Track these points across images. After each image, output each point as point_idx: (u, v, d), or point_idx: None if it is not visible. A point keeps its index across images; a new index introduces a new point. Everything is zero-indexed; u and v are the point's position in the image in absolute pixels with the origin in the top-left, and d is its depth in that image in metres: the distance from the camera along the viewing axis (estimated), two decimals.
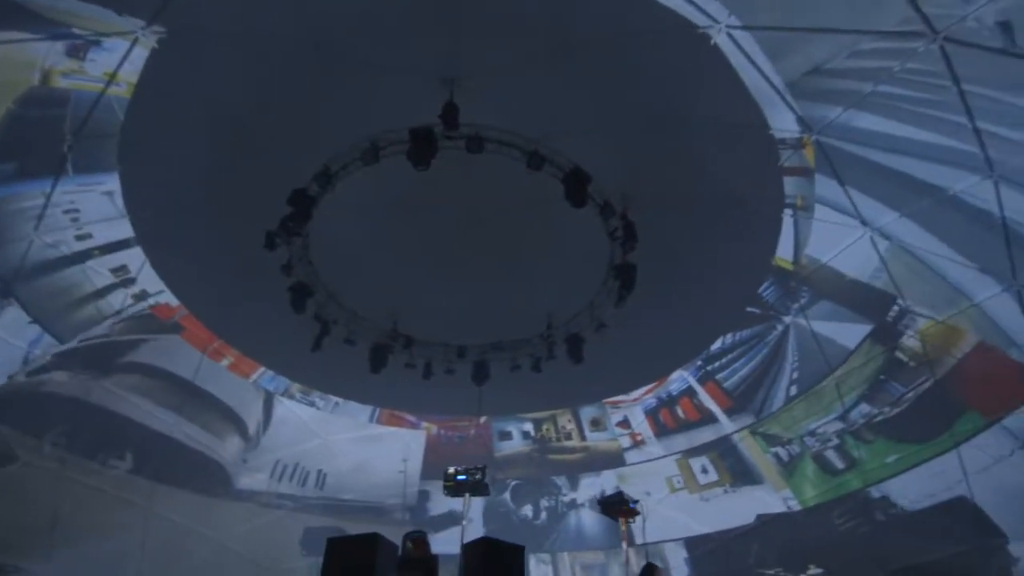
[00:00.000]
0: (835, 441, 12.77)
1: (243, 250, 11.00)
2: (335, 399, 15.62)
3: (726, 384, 14.45)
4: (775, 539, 13.51)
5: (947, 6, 5.89)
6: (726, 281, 11.68)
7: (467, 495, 6.98)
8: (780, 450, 13.80)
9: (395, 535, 5.68)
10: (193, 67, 8.71)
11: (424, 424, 16.78)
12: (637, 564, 15.66)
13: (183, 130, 9.51)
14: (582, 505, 16.40)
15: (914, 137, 8.08)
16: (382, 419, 16.22)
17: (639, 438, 16.02)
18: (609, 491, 16.27)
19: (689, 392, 14.98)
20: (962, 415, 10.41)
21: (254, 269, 11.27)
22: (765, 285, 12.25)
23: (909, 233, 9.45)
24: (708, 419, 15.01)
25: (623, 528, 7.38)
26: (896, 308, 10.82)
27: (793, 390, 13.40)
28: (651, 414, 15.75)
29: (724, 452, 14.77)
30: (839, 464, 12.73)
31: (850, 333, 11.87)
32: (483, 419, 16.80)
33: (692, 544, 14.55)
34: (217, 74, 8.95)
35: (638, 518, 7.38)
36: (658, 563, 15.48)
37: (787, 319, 12.74)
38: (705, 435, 15.13)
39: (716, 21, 8.18)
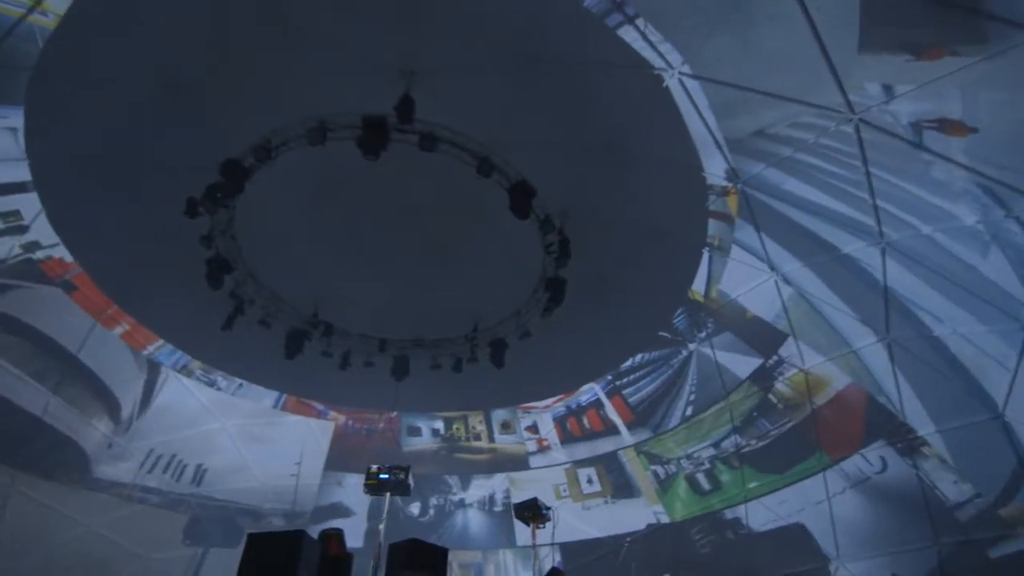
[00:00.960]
0: (707, 465, 14.21)
1: (158, 214, 10.26)
2: (239, 380, 14.81)
3: (631, 400, 15.33)
4: (641, 549, 14.65)
5: (872, 98, 6.77)
6: (645, 305, 12.40)
7: (388, 494, 6.97)
8: (659, 468, 15.04)
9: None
10: (135, 9, 8.00)
11: (332, 414, 16.35)
12: (515, 567, 16.23)
13: (110, 75, 8.69)
14: (470, 505, 16.67)
15: (823, 202, 9.09)
16: (288, 406, 15.59)
17: (545, 443, 16.58)
18: (499, 493, 16.79)
19: (597, 404, 15.73)
20: (813, 454, 12.12)
21: (168, 236, 10.55)
22: (677, 313, 13.19)
23: (808, 281, 10.57)
24: (611, 431, 15.85)
25: (534, 532, 7.70)
26: (775, 357, 12.34)
27: (689, 411, 14.54)
28: (559, 421, 16.37)
29: (610, 465, 15.77)
30: (707, 486, 14.19)
31: (743, 365, 13.12)
32: (394, 413, 16.66)
33: (567, 550, 15.19)
34: (161, 21, 8.27)
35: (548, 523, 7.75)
36: (531, 564, 16.17)
37: (692, 346, 13.81)
38: (606, 446, 15.98)
39: (671, 66, 8.73)
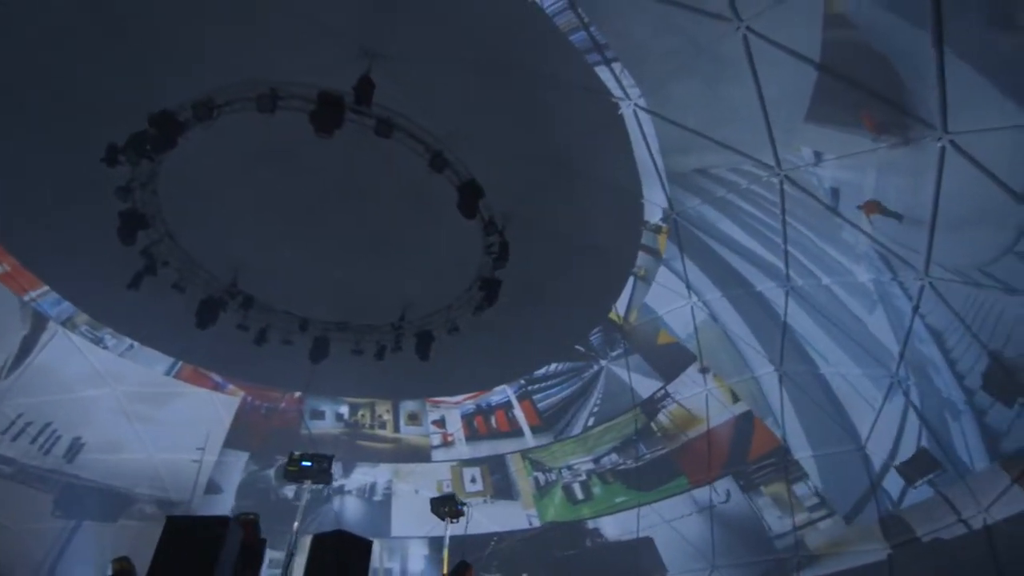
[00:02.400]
0: (583, 477, 15.37)
1: (70, 155, 9.30)
2: (129, 341, 13.62)
3: (540, 405, 15.88)
4: (506, 549, 15.35)
5: (801, 160, 7.63)
6: (569, 317, 12.92)
7: (307, 482, 6.84)
8: (540, 475, 15.96)
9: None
10: None
11: (230, 387, 15.48)
12: (382, 557, 16.09)
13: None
14: (349, 492, 16.47)
15: (744, 241, 10.01)
16: (183, 375, 14.57)
17: (450, 439, 16.73)
18: (381, 482, 16.59)
19: (507, 405, 16.14)
20: (675, 479, 13.78)
21: (79, 180, 9.58)
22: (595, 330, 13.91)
23: (722, 310, 11.55)
24: (516, 433, 16.31)
25: (447, 527, 7.86)
26: (662, 391, 13.84)
27: (591, 422, 15.40)
28: (467, 418, 16.59)
29: (495, 467, 16.37)
30: (580, 496, 15.35)
31: (645, 386, 14.20)
32: (297, 394, 16.10)
33: (434, 543, 15.41)
34: None
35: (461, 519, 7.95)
36: (398, 555, 16.30)
37: (603, 362, 14.66)
38: (508, 446, 16.42)
39: (628, 97, 9.25)
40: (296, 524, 6.46)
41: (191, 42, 8.66)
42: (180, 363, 14.41)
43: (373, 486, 16.46)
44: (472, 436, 16.69)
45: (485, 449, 16.61)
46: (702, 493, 13.25)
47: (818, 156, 7.32)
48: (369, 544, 5.70)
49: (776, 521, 12.08)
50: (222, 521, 4.95)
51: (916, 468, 9.66)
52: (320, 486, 7.74)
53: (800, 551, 11.53)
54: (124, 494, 13.31)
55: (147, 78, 8.70)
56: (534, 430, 16.15)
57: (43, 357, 12.20)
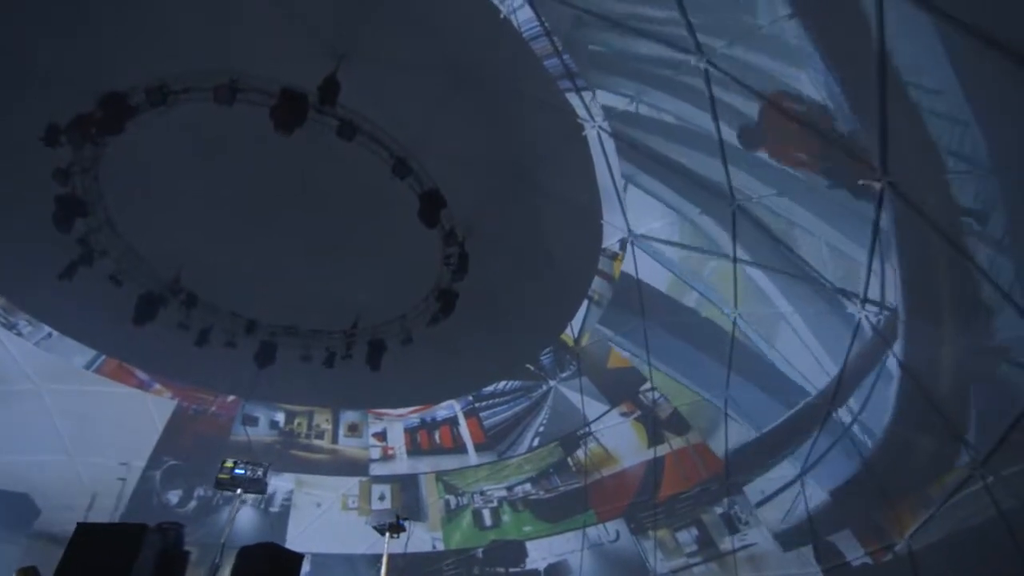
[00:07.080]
0: (495, 504, 15.48)
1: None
2: (47, 329, 12.64)
3: (486, 422, 15.69)
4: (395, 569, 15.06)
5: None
6: (522, 336, 12.90)
7: (239, 491, 6.48)
8: (452, 498, 15.90)
9: None
10: None
11: (156, 386, 14.56)
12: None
13: None
14: (244, 502, 15.58)
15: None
16: (106, 371, 13.61)
17: (391, 452, 16.28)
18: (281, 493, 15.74)
19: (452, 421, 15.88)
20: (583, 513, 14.33)
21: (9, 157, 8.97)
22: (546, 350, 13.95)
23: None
24: (459, 449, 16.02)
25: (387, 543, 7.62)
26: (584, 430, 14.34)
27: (536, 442, 15.30)
28: (410, 432, 16.20)
29: (406, 485, 16.10)
30: (488, 522, 15.42)
31: (592, 408, 14.29)
32: (231, 397, 15.35)
33: (317, 560, 14.94)
34: None
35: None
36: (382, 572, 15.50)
37: (552, 383, 14.69)
38: (449, 463, 16.08)
39: (593, 120, 9.45)
40: (225, 532, 6.08)
41: (150, 18, 8.27)
42: (103, 356, 13.50)
43: (272, 496, 15.46)
44: (414, 451, 16.29)
45: (426, 465, 16.23)
46: (593, 531, 13.98)
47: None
48: (299, 558, 5.42)
49: (656, 562, 12.98)
50: (138, 529, 4.59)
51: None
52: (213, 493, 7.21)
53: None
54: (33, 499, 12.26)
55: (98, 53, 8.24)
56: (478, 448, 15.90)
57: None
